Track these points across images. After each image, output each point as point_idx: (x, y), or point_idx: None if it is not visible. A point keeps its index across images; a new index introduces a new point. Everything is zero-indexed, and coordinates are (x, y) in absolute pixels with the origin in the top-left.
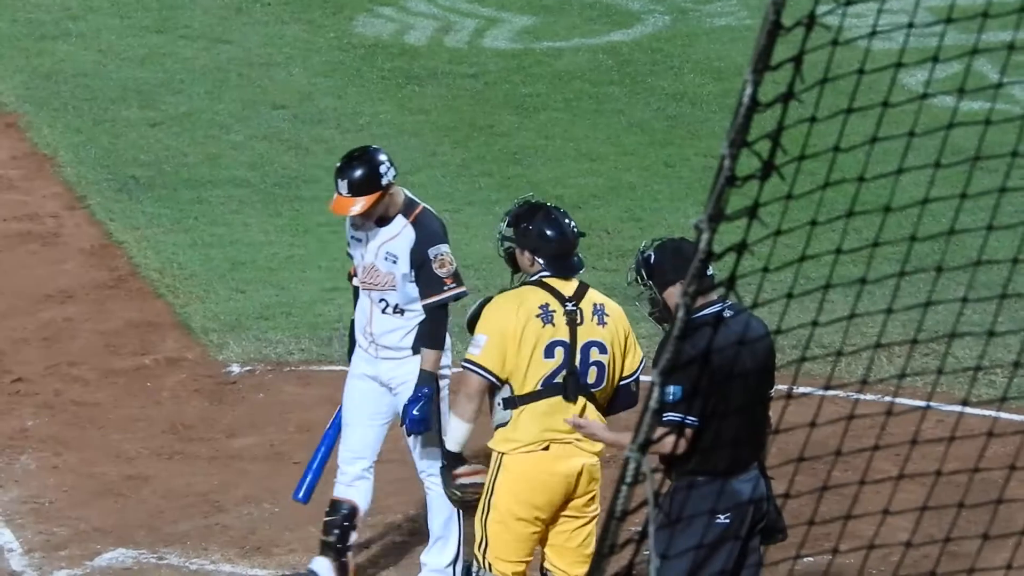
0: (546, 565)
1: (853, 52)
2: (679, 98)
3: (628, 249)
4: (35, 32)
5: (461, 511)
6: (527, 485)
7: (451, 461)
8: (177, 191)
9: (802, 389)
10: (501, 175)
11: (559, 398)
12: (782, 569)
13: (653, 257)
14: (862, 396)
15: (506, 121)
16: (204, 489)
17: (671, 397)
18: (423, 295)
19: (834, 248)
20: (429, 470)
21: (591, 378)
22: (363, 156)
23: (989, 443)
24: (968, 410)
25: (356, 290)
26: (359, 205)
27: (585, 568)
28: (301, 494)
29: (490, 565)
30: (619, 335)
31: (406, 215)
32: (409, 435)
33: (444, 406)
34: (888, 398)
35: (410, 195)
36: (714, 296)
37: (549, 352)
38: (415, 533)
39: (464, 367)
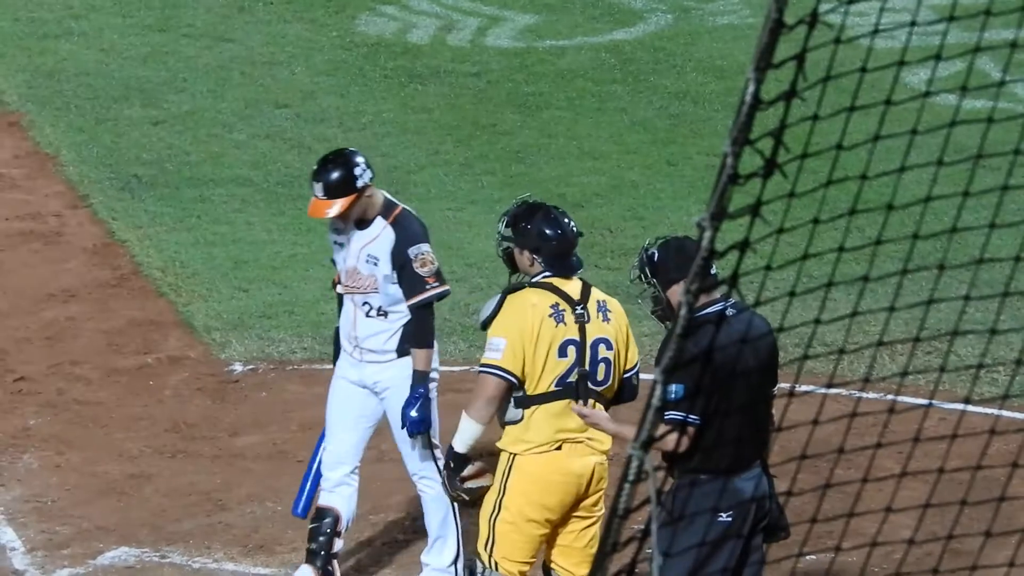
0: (551, 564)
1: (855, 50)
2: (682, 97)
3: (631, 248)
4: (37, 31)
5: (457, 509)
6: (540, 486)
7: (457, 462)
8: (180, 190)
9: (804, 387)
10: (504, 174)
11: (572, 398)
12: (784, 567)
13: (657, 255)
14: (864, 394)
15: (509, 120)
16: (207, 488)
17: (673, 395)
18: (407, 295)
19: (836, 246)
20: (421, 472)
21: (600, 376)
22: (338, 159)
23: (991, 441)
24: (970, 408)
25: (341, 297)
26: (335, 208)
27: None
28: (299, 509)
29: (496, 564)
30: (622, 330)
31: (385, 216)
32: (411, 436)
33: (434, 407)
34: (890, 396)
35: (390, 197)
36: (717, 294)
37: (563, 351)
38: (417, 532)
39: (483, 371)
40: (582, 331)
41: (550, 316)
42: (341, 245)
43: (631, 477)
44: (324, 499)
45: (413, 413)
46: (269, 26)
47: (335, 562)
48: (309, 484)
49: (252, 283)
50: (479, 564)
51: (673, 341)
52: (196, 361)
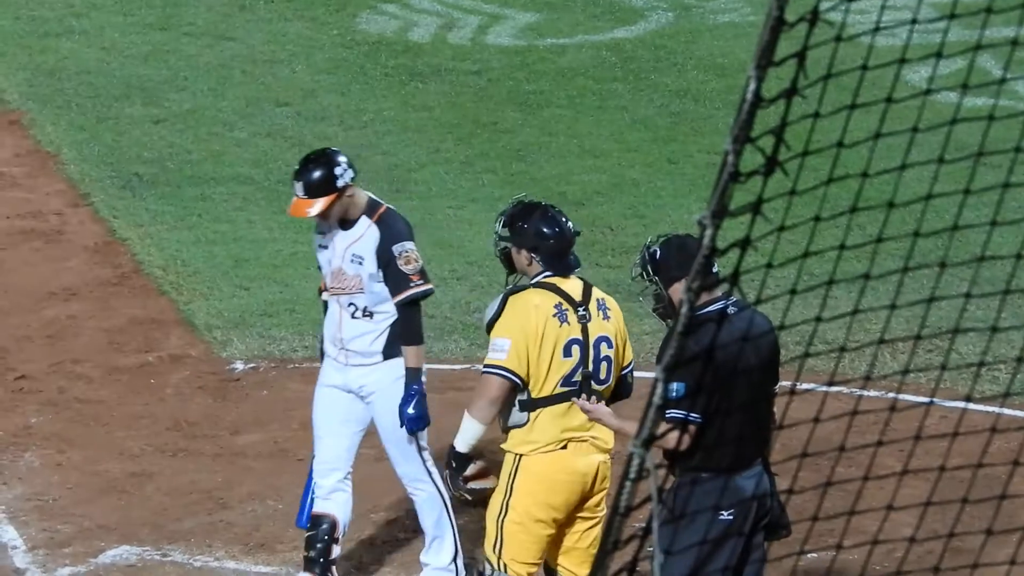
0: (554, 564)
1: (856, 48)
2: (682, 95)
3: (631, 246)
4: (38, 29)
5: (451, 507)
6: (546, 485)
7: (459, 462)
8: (181, 188)
9: (805, 385)
10: (505, 172)
11: (576, 398)
12: (786, 565)
13: (659, 253)
14: (866, 392)
15: (509, 118)
16: (208, 486)
17: (675, 394)
18: (392, 293)
19: (838, 244)
20: (411, 475)
21: (602, 375)
22: (319, 158)
23: (992, 439)
24: (971, 406)
25: (326, 305)
26: (315, 207)
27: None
28: (304, 520)
29: (505, 566)
30: (620, 328)
31: (370, 215)
32: (410, 433)
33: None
34: (891, 394)
35: (373, 196)
36: (718, 292)
37: (567, 351)
38: (417, 530)
39: (487, 372)
40: (584, 330)
41: (554, 316)
42: (325, 247)
43: (632, 475)
44: (319, 506)
45: (410, 410)
46: (270, 24)
47: (334, 568)
48: (311, 494)
49: (253, 281)
50: (488, 567)
51: (674, 339)
52: (197, 359)
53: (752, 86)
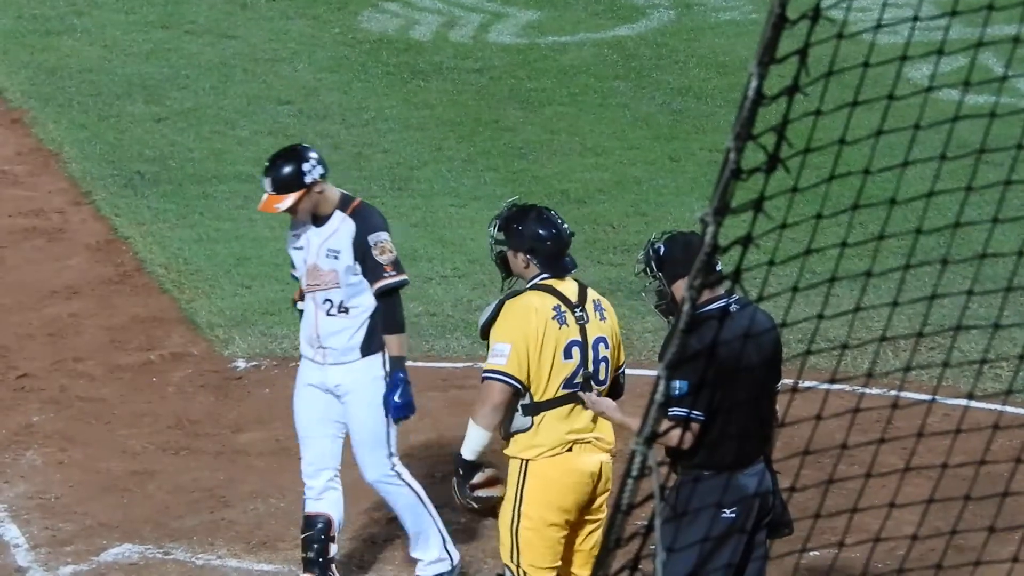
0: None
1: (858, 46)
2: (684, 92)
3: (633, 244)
4: (40, 28)
5: (426, 499)
6: (556, 489)
7: (467, 470)
8: (182, 186)
9: (807, 383)
10: (506, 170)
11: (578, 400)
12: (787, 563)
13: (663, 249)
14: (868, 390)
15: (511, 116)
16: (210, 484)
17: (677, 391)
18: (370, 283)
19: (839, 241)
20: (381, 478)
21: (601, 375)
22: (288, 154)
23: (995, 436)
24: (974, 403)
25: (301, 314)
26: (282, 203)
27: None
28: None
29: (525, 573)
30: (615, 328)
31: (343, 209)
32: (395, 422)
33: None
34: (894, 392)
35: (345, 192)
36: (721, 290)
37: (567, 353)
38: None
39: (488, 378)
40: (583, 332)
41: (553, 319)
42: (301, 248)
43: (634, 473)
44: (311, 507)
45: (396, 398)
46: (271, 23)
47: (333, 567)
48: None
49: (255, 279)
50: (508, 575)
51: (676, 337)
52: (199, 358)
53: (754, 83)
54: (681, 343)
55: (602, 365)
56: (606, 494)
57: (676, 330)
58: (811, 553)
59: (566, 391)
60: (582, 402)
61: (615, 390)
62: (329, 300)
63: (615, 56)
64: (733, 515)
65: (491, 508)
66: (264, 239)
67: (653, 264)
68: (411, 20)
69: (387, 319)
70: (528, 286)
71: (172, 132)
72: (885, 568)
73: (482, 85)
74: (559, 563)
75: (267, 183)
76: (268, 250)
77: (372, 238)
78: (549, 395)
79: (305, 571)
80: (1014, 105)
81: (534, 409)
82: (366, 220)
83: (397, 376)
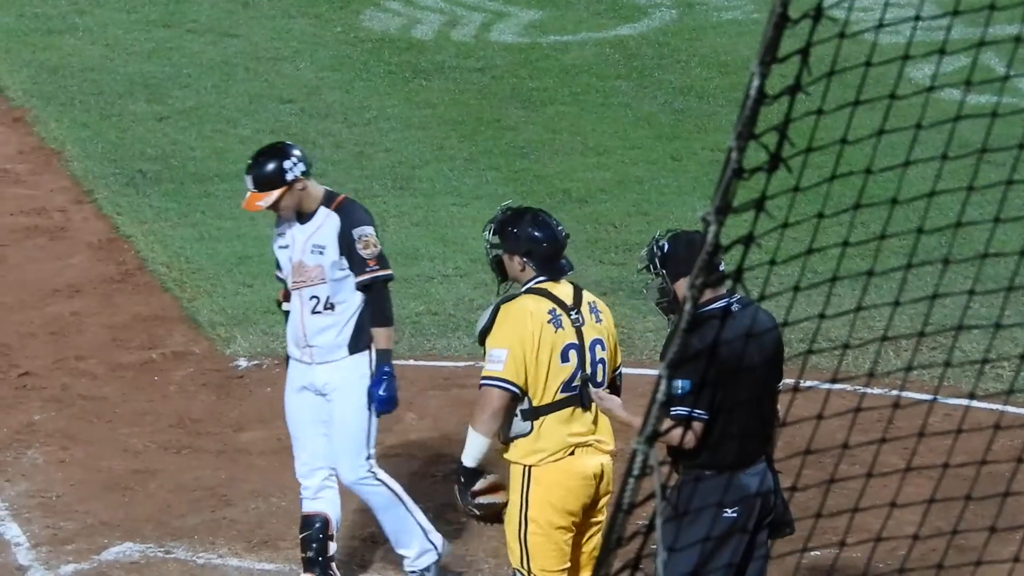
0: None
1: (860, 45)
2: (686, 92)
3: (635, 243)
4: (42, 26)
5: (403, 495)
6: (562, 493)
7: (468, 477)
8: (184, 185)
9: (808, 382)
10: (508, 169)
11: (577, 403)
12: (789, 563)
13: (668, 246)
14: (869, 389)
15: (513, 115)
16: (211, 483)
17: (680, 391)
18: (355, 276)
19: (841, 241)
20: (358, 479)
21: (599, 377)
22: (269, 152)
23: (996, 436)
24: (975, 403)
25: (287, 315)
26: (264, 200)
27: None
28: None
29: None
30: (611, 329)
31: (328, 205)
32: (378, 416)
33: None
34: (895, 391)
35: (330, 189)
36: (723, 290)
37: (564, 356)
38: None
39: (486, 384)
40: (579, 334)
41: (549, 322)
42: (286, 247)
43: (635, 472)
44: (308, 506)
45: (381, 392)
46: (273, 21)
47: (333, 565)
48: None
49: (256, 278)
50: None
51: (678, 336)
52: (201, 356)
53: (756, 83)
54: (683, 342)
55: (599, 367)
56: (608, 495)
57: (678, 329)
58: (812, 553)
59: (565, 394)
60: (581, 405)
61: (612, 391)
62: (316, 297)
63: (617, 55)
64: (734, 515)
65: (494, 514)
66: (266, 238)
67: (657, 261)
68: (413, 19)
69: (375, 312)
70: (523, 289)
71: (174, 131)
72: (886, 568)
73: (484, 84)
74: (568, 564)
75: (249, 181)
76: (270, 249)
77: (357, 232)
78: (548, 399)
79: (305, 571)
80: (1016, 105)
81: (533, 414)
82: (350, 215)
83: (383, 369)
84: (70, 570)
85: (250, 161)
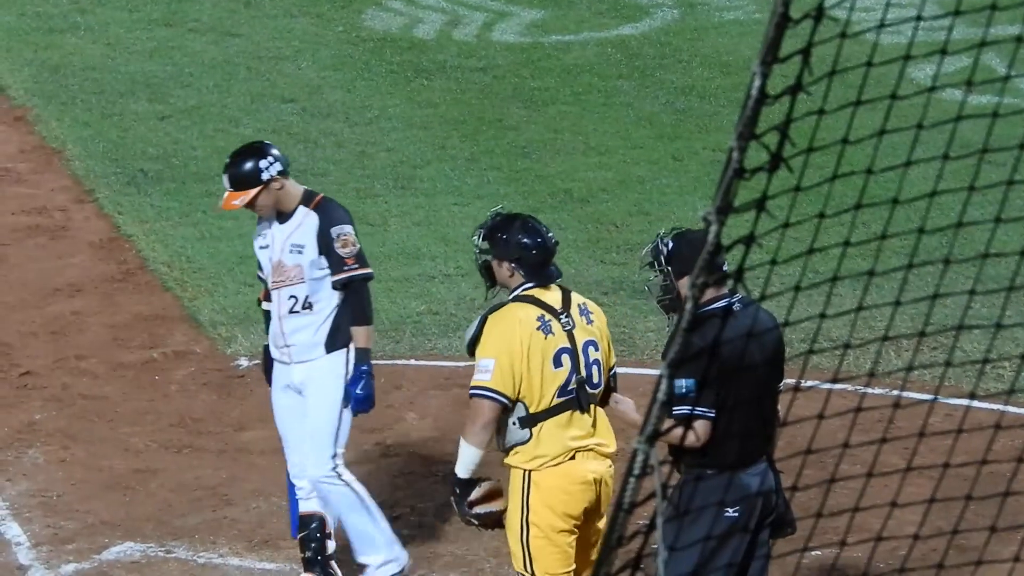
0: None
1: (861, 45)
2: (688, 92)
3: (636, 243)
4: (43, 25)
5: (365, 496)
6: (563, 497)
7: (463, 488)
8: (186, 184)
9: (810, 382)
10: (510, 169)
11: (575, 406)
12: (790, 562)
13: (673, 244)
14: (870, 389)
15: (515, 115)
16: (212, 482)
17: (684, 390)
18: (333, 274)
19: (842, 241)
20: (322, 478)
21: (595, 378)
22: (246, 151)
23: (997, 436)
24: (976, 403)
25: (267, 315)
26: (240, 199)
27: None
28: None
29: None
30: (604, 330)
31: (307, 204)
32: (354, 415)
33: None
34: (895, 391)
35: (309, 188)
36: (725, 289)
37: (557, 361)
38: (422, 526)
39: (475, 395)
40: (571, 338)
41: (538, 329)
42: (266, 247)
43: (636, 471)
44: (303, 507)
45: (359, 391)
46: (275, 21)
47: (333, 563)
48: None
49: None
50: None
51: (679, 335)
52: (202, 356)
53: (757, 83)
54: (684, 342)
55: (594, 368)
56: (610, 498)
57: (679, 328)
58: (813, 552)
59: (561, 399)
60: (579, 408)
61: (606, 391)
62: (294, 296)
63: (619, 55)
64: (736, 514)
65: (493, 522)
66: None
67: (661, 258)
68: (415, 18)
69: (355, 311)
70: (511, 297)
71: (175, 130)
72: (887, 568)
73: (486, 84)
74: (573, 566)
75: (226, 180)
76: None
77: (335, 231)
78: (544, 405)
79: (306, 571)
80: (1017, 105)
81: (532, 420)
82: (329, 214)
83: (360, 368)
84: (71, 569)
85: (227, 160)
